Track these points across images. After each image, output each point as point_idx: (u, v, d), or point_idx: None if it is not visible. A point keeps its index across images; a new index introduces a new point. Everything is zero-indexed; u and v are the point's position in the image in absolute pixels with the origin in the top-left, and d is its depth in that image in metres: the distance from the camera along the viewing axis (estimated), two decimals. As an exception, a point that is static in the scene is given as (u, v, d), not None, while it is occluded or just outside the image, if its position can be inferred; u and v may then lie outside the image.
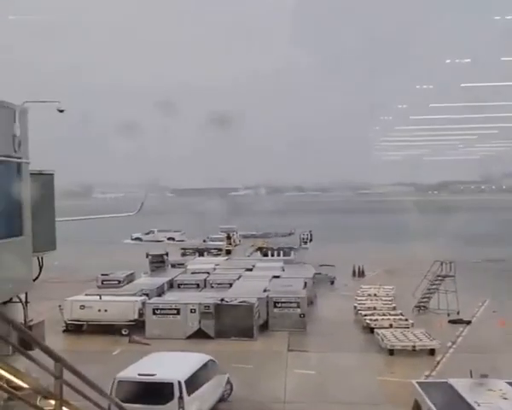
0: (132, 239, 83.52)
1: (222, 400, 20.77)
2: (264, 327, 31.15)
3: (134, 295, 33.84)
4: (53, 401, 7.48)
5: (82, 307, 31.34)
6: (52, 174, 18.01)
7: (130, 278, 42.69)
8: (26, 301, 16.02)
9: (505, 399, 15.92)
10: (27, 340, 7.86)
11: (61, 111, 17.51)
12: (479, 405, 15.32)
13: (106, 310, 31.03)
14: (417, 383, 18.29)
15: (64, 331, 30.97)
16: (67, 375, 7.68)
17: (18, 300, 15.66)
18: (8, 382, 6.91)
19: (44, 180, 17.47)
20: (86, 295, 34.00)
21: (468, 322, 32.65)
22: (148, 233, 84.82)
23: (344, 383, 22.57)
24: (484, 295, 38.03)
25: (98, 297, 32.59)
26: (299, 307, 31.67)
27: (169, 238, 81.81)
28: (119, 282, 41.77)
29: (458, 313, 33.47)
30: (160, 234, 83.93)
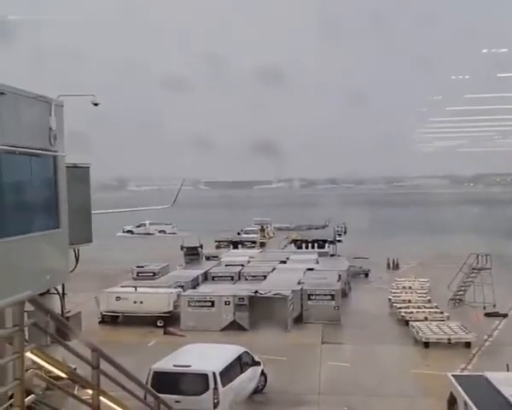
0: (124, 232, 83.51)
1: (256, 391, 20.86)
2: (299, 319, 31.16)
3: (169, 287, 34.14)
4: (90, 391, 7.60)
5: (118, 298, 31.74)
6: (88, 167, 18.27)
7: (165, 270, 43.09)
8: (64, 293, 16.32)
9: (542, 393, 15.67)
10: (65, 330, 8.01)
11: (96, 104, 17.72)
12: (515, 398, 15.13)
13: (141, 302, 31.38)
14: (453, 376, 18.13)
15: (100, 323, 31.42)
16: (104, 365, 7.81)
17: (55, 291, 15.97)
18: (47, 371, 7.05)
19: (80, 173, 17.74)
20: (122, 286, 34.45)
21: (505, 315, 32.19)
22: (139, 226, 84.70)
23: (378, 375, 22.43)
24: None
25: (134, 289, 32.97)
26: (333, 299, 31.58)
27: (160, 231, 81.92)
28: (154, 274, 42.23)
29: (494, 306, 33.03)
30: (151, 227, 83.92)
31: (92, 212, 19.35)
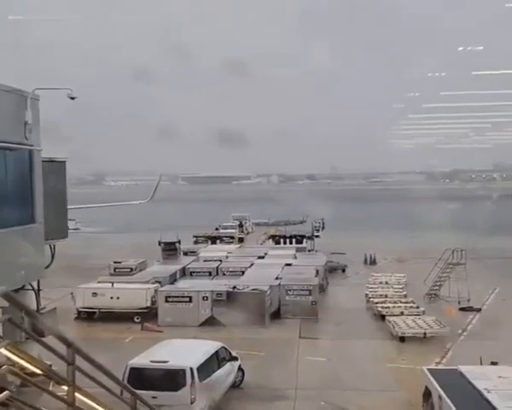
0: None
1: (234, 386, 20.89)
2: (276, 315, 31.26)
3: (146, 282, 34.02)
4: (66, 387, 7.56)
5: (94, 294, 31.53)
6: (64, 161, 18.10)
7: (142, 266, 42.92)
8: (39, 289, 16.18)
9: (515, 386, 15.93)
10: (40, 326, 7.95)
11: (73, 98, 17.57)
12: (489, 391, 15.35)
13: (118, 298, 31.22)
14: (428, 369, 18.35)
15: (76, 319, 31.21)
16: (80, 362, 7.77)
17: (30, 287, 15.82)
18: (22, 368, 7.00)
19: (56, 168, 17.56)
20: (98, 282, 34.23)
21: (479, 310, 32.66)
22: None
23: (355, 370, 22.62)
24: (494, 283, 37.92)
25: (110, 285, 32.78)
26: (310, 294, 31.73)
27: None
28: (132, 269, 42.02)
29: (469, 300, 33.45)
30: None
31: (68, 207, 19.20)
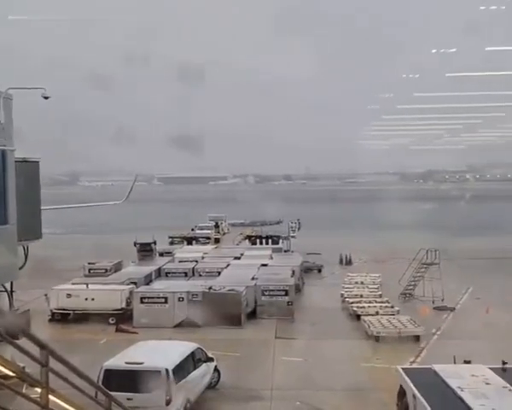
0: None
1: (210, 387, 20.84)
2: (252, 315, 31.28)
3: (121, 283, 33.80)
4: (39, 389, 7.49)
5: (68, 295, 31.24)
6: (38, 162, 17.91)
7: (117, 267, 42.64)
8: (12, 290, 15.99)
9: (488, 384, 16.15)
10: (13, 328, 7.87)
11: (46, 98, 17.40)
12: (462, 390, 15.54)
13: (93, 299, 30.97)
14: (402, 369, 18.50)
15: (50, 321, 30.87)
16: (54, 364, 7.70)
17: (3, 289, 15.63)
18: (-6, 370, 6.93)
19: (30, 168, 17.37)
20: (73, 283, 33.92)
21: (452, 309, 33.04)
22: None
23: (330, 369, 22.74)
24: (467, 282, 38.37)
25: (85, 286, 32.51)
26: (286, 294, 31.80)
27: None
28: (107, 270, 41.72)
29: (443, 300, 33.81)
30: None
31: (42, 207, 19.01)
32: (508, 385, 15.85)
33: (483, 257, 48.25)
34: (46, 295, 31.53)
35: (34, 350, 7.34)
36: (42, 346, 7.43)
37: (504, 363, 17.54)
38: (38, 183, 17.81)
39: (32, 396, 7.63)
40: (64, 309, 31.14)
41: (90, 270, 42.47)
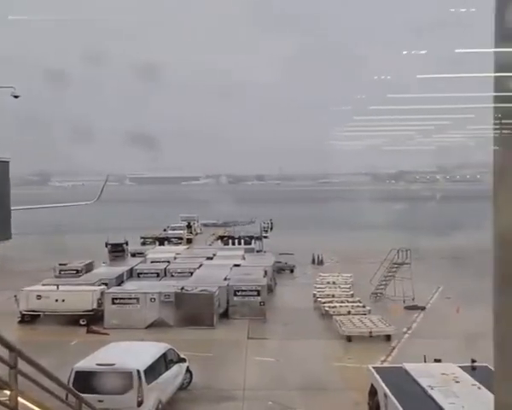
0: None
1: (182, 388, 20.81)
2: (225, 315, 31.27)
3: (93, 284, 33.54)
4: (8, 392, 7.41)
5: (39, 297, 30.90)
6: (7, 162, 17.70)
7: (88, 268, 42.30)
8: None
9: (457, 382, 16.39)
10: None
11: (16, 97, 17.22)
12: (432, 388, 15.74)
13: (63, 300, 30.67)
14: (373, 368, 18.68)
15: (20, 322, 30.49)
16: (23, 366, 7.62)
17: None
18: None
19: (-1, 168, 17.16)
20: (43, 285, 33.55)
21: (423, 308, 33.41)
22: None
23: (302, 369, 22.80)
24: (438, 282, 38.82)
25: (55, 287, 32.17)
26: (259, 295, 31.86)
27: None
28: (78, 271, 41.39)
29: (413, 299, 34.17)
30: None
31: (12, 208, 18.79)
32: (477, 383, 16.08)
33: (453, 256, 48.84)
34: (16, 296, 31.11)
35: (3, 352, 7.26)
36: (10, 348, 7.35)
37: (473, 361, 17.78)
38: (8, 183, 17.61)
39: (1, 399, 7.54)
40: (34, 311, 30.78)
41: (60, 271, 42.04)
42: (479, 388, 15.76)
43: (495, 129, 5.59)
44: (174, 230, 70.16)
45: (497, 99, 5.61)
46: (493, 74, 5.50)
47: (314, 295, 34.96)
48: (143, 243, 61.72)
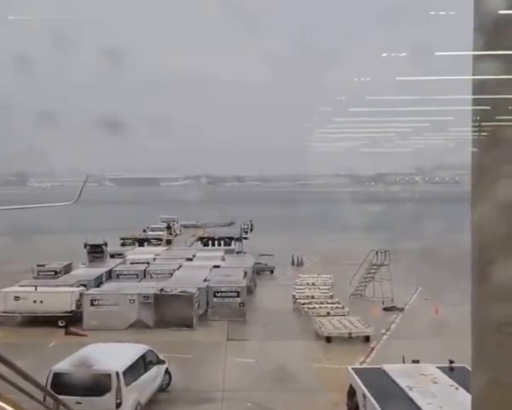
0: None
1: (161, 390, 20.74)
2: (204, 317, 31.22)
3: (71, 285, 33.30)
4: (-16, 394, 7.32)
5: (16, 298, 30.63)
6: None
7: (67, 269, 41.98)
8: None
9: (435, 383, 16.54)
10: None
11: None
12: (411, 389, 15.86)
13: (42, 301, 30.41)
14: (352, 369, 18.78)
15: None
16: (0, 368, 7.53)
17: None
18: None
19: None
20: (21, 286, 33.24)
21: (401, 309, 33.63)
22: None
23: (282, 370, 22.79)
24: (417, 283, 39.09)
25: (34, 288, 31.91)
26: (238, 296, 31.85)
27: None
28: (56, 273, 41.05)
29: (392, 300, 34.40)
30: None
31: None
32: (455, 384, 16.23)
33: (432, 257, 49.20)
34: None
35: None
36: (-13, 350, 7.26)
37: (451, 362, 17.96)
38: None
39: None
40: (12, 312, 30.46)
41: (39, 272, 41.68)
42: (456, 388, 15.91)
43: (473, 131, 5.65)
44: (154, 231, 69.90)
45: (475, 102, 5.68)
46: (472, 77, 5.57)
47: (294, 296, 35.03)
48: (123, 244, 61.36)
